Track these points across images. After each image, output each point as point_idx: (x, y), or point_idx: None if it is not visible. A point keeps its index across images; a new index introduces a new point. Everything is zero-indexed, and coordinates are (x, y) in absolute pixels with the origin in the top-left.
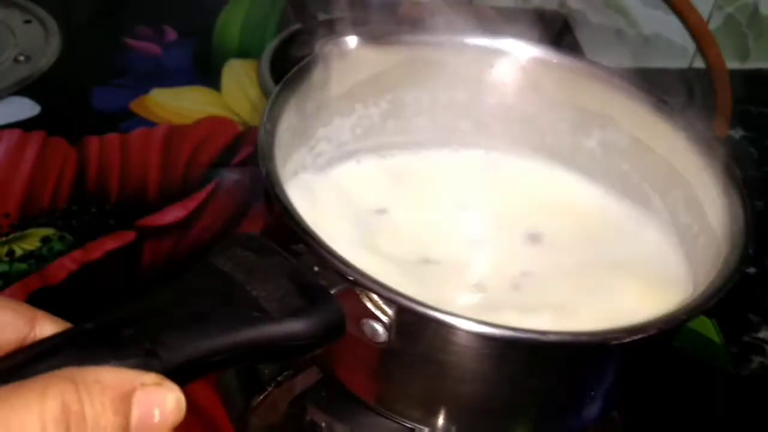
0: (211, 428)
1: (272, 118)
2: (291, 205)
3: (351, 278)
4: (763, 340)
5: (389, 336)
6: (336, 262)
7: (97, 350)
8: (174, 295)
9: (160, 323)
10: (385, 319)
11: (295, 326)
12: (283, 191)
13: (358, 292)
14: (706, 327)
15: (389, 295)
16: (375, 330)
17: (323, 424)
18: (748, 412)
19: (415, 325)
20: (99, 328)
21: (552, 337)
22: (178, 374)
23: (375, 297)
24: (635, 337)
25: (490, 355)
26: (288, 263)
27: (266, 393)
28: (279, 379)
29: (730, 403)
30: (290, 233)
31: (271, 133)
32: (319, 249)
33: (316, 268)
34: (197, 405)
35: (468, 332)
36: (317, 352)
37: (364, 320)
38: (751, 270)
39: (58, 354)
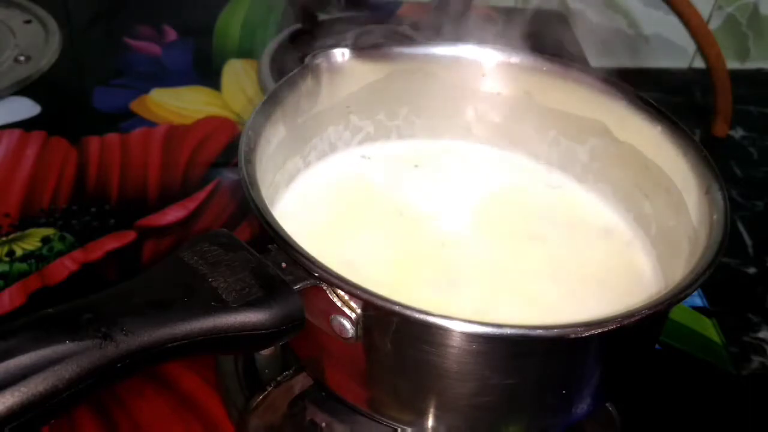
0: (211, 428)
1: (256, 126)
2: (263, 203)
3: (316, 274)
4: (763, 340)
5: (356, 331)
6: (302, 258)
7: (54, 332)
8: (136, 286)
9: (119, 310)
10: (351, 314)
11: (251, 316)
12: (258, 193)
13: (324, 288)
14: (706, 327)
15: (353, 291)
16: (343, 326)
17: (323, 424)
18: (748, 412)
19: (380, 319)
20: (59, 313)
21: (508, 331)
22: (135, 358)
23: (341, 293)
24: (594, 332)
25: (454, 348)
26: (253, 258)
27: (266, 393)
28: (279, 379)
29: (730, 403)
30: (264, 232)
31: (254, 140)
32: (285, 245)
33: (284, 264)
34: (197, 405)
35: (430, 326)
36: (278, 344)
37: (333, 316)
38: (751, 270)
39: (16, 335)
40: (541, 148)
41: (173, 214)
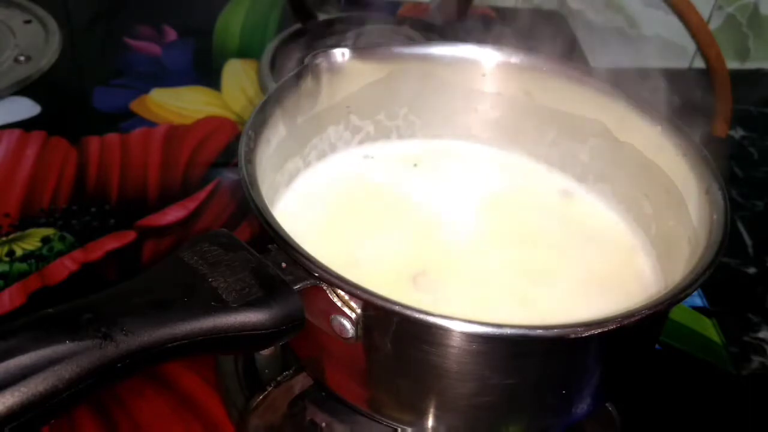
0: (211, 428)
1: (256, 126)
2: (263, 203)
3: (316, 274)
4: (763, 340)
5: (356, 331)
6: (302, 258)
7: (54, 332)
8: (136, 286)
9: (120, 310)
10: (351, 314)
11: (251, 316)
12: (258, 193)
13: (324, 288)
14: (706, 327)
15: (353, 291)
16: (343, 326)
17: (323, 424)
18: (748, 412)
19: (380, 319)
20: (59, 313)
21: (508, 331)
22: (135, 358)
23: (341, 293)
24: (594, 332)
25: (454, 348)
26: (253, 258)
27: (266, 393)
28: (279, 379)
29: (730, 403)
30: (264, 232)
31: (254, 140)
32: (285, 245)
33: (284, 264)
34: (197, 405)
35: (430, 326)
36: (278, 344)
37: (333, 316)
38: (751, 270)
39: (16, 335)
40: (541, 148)
41: (173, 214)
